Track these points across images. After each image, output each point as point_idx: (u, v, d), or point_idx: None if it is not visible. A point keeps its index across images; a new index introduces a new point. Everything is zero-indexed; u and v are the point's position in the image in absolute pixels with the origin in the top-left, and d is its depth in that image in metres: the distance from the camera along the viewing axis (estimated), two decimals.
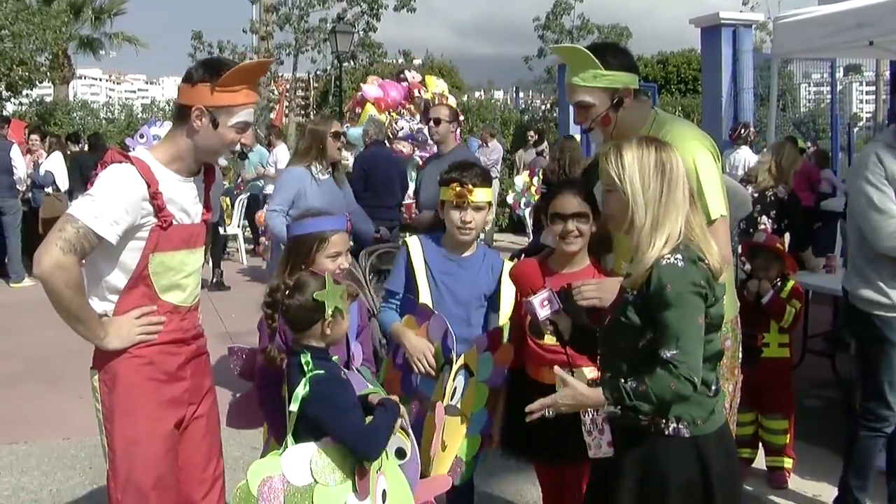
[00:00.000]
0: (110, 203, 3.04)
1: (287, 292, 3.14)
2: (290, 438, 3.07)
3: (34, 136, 14.39)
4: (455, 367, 3.67)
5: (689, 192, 2.94)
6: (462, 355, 3.71)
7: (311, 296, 3.11)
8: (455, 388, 3.69)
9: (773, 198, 6.77)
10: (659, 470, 2.90)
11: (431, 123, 7.17)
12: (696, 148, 3.46)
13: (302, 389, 3.01)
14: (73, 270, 2.99)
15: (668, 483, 2.87)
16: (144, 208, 3.12)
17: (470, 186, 3.87)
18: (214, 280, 12.31)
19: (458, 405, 3.69)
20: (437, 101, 11.70)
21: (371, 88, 14.05)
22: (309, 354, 3.09)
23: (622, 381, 2.82)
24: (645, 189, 2.89)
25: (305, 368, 3.05)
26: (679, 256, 2.83)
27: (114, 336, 3.15)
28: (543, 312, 3.35)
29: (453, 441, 3.67)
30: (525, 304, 3.43)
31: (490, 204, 3.98)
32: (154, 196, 3.12)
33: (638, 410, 2.80)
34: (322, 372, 3.07)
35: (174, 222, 3.21)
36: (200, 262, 3.43)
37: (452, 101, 12.90)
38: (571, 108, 3.78)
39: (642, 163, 2.91)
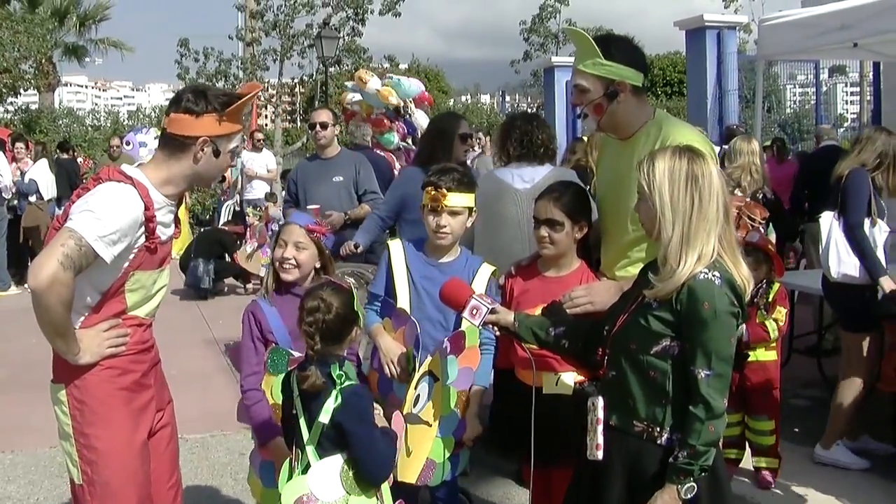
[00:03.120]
0: (113, 223, 2.98)
1: (323, 308, 3.04)
2: (312, 453, 3.01)
3: (19, 145, 14.35)
4: (416, 376, 3.70)
5: (724, 206, 2.88)
6: (424, 363, 3.72)
7: (348, 308, 3.08)
8: (418, 396, 3.70)
9: (762, 199, 6.81)
10: (644, 479, 2.88)
11: (318, 128, 7.02)
12: None
13: (333, 402, 2.97)
14: (69, 287, 2.93)
15: (648, 492, 2.85)
16: (139, 230, 3.09)
17: (444, 191, 3.85)
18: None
19: (421, 413, 3.68)
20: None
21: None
22: (338, 365, 3.03)
23: (673, 460, 2.80)
24: (674, 202, 2.83)
25: (338, 380, 2.98)
26: (717, 274, 2.80)
27: (85, 351, 3.11)
28: (477, 321, 3.39)
29: (420, 446, 3.66)
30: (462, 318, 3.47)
31: (471, 209, 3.95)
32: (150, 219, 3.10)
33: (706, 464, 2.80)
34: (354, 383, 3.04)
35: (158, 244, 3.19)
36: (168, 278, 3.42)
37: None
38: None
39: (673, 174, 2.85)
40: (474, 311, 3.38)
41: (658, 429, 2.87)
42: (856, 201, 5.32)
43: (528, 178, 4.65)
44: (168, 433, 3.50)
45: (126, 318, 3.21)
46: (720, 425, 2.81)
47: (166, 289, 3.43)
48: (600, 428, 2.97)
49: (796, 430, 5.99)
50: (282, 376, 3.45)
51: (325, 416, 2.96)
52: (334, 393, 2.97)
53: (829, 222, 5.41)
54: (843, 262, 5.30)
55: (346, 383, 2.99)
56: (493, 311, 3.38)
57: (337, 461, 3.01)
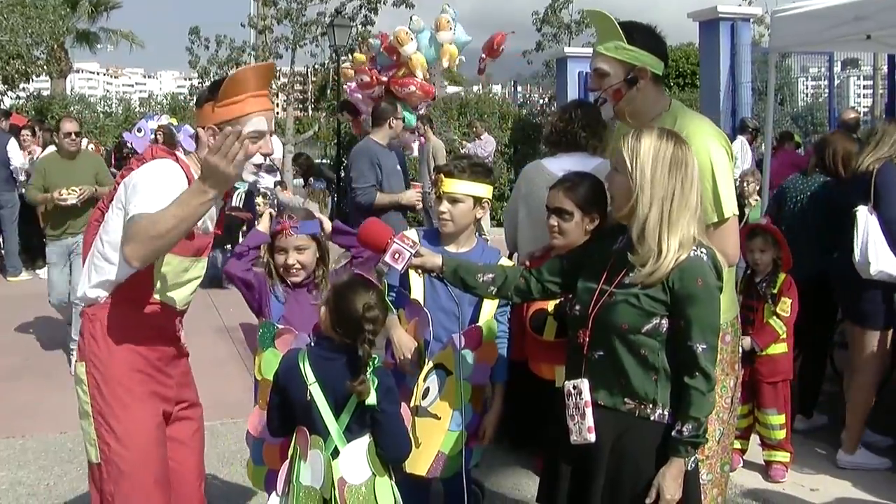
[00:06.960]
0: (162, 192, 2.92)
1: (380, 318, 3.10)
2: (339, 437, 3.05)
3: (25, 132, 14.35)
4: (425, 369, 3.69)
5: (700, 194, 2.93)
6: (435, 356, 3.71)
7: (386, 304, 3.19)
8: (427, 389, 3.69)
9: None
10: (633, 454, 2.92)
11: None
12: (712, 144, 3.41)
13: (372, 384, 3.02)
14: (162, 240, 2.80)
15: (640, 468, 2.90)
16: None
17: (442, 176, 3.85)
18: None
19: (431, 406, 3.68)
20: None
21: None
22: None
23: (678, 434, 2.85)
24: (655, 181, 2.85)
25: (371, 363, 3.04)
26: (703, 251, 2.88)
27: (212, 183, 2.76)
28: (400, 265, 3.27)
29: (430, 439, 3.66)
30: (382, 264, 3.31)
31: (476, 198, 3.89)
32: None
33: (707, 434, 2.91)
34: (382, 366, 3.12)
35: (196, 232, 3.16)
36: (202, 271, 3.38)
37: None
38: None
39: (658, 154, 2.87)
40: (396, 256, 3.26)
41: (651, 405, 2.91)
42: (891, 196, 5.27)
43: (574, 169, 4.61)
44: (193, 429, 3.52)
45: (152, 303, 3.22)
46: (714, 396, 2.93)
47: (197, 283, 3.40)
48: (590, 411, 2.96)
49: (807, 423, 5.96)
50: (269, 352, 3.54)
51: (372, 399, 3.00)
52: (370, 375, 3.02)
53: (865, 217, 5.27)
54: (881, 259, 5.22)
55: (379, 365, 3.07)
56: (417, 255, 3.30)
57: (363, 442, 3.07)
